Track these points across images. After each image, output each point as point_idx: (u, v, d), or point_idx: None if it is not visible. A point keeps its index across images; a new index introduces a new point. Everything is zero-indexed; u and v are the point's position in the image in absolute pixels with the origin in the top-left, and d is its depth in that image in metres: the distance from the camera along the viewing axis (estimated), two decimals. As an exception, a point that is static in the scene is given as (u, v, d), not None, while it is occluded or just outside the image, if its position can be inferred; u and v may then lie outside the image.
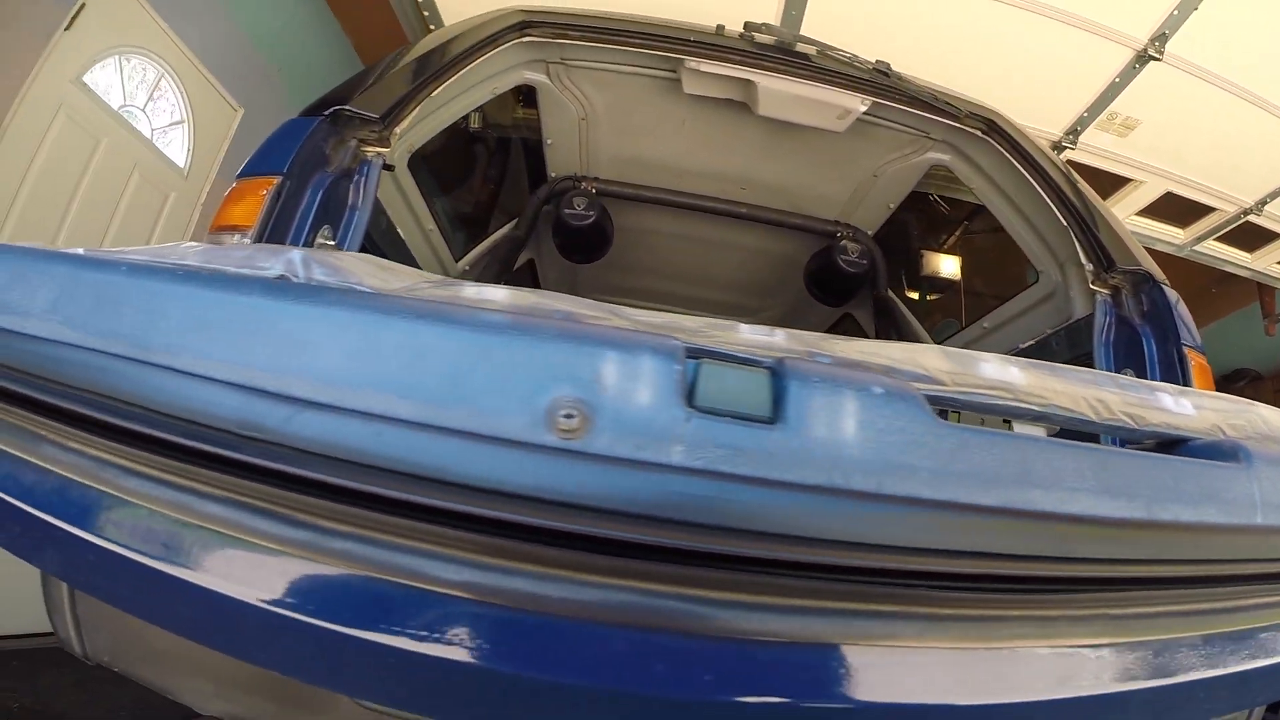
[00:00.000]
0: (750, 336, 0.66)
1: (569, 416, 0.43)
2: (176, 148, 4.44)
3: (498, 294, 0.67)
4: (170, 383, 0.51)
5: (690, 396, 0.46)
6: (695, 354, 0.48)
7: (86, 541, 0.56)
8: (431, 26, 3.77)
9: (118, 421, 0.54)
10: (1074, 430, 0.80)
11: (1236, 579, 0.73)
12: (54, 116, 3.61)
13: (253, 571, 0.50)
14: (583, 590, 0.46)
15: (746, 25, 2.47)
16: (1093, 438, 1.58)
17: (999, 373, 0.77)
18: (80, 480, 0.57)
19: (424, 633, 0.45)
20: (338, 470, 0.46)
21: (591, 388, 0.44)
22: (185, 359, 0.51)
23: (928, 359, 0.72)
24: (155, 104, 4.37)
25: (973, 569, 0.57)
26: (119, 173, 4.01)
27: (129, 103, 4.19)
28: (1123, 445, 0.95)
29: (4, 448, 0.61)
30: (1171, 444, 0.84)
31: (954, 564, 0.56)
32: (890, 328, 3.20)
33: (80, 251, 0.66)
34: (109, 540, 0.55)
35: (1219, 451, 0.74)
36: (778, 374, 0.49)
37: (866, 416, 0.49)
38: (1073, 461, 0.60)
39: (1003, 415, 0.74)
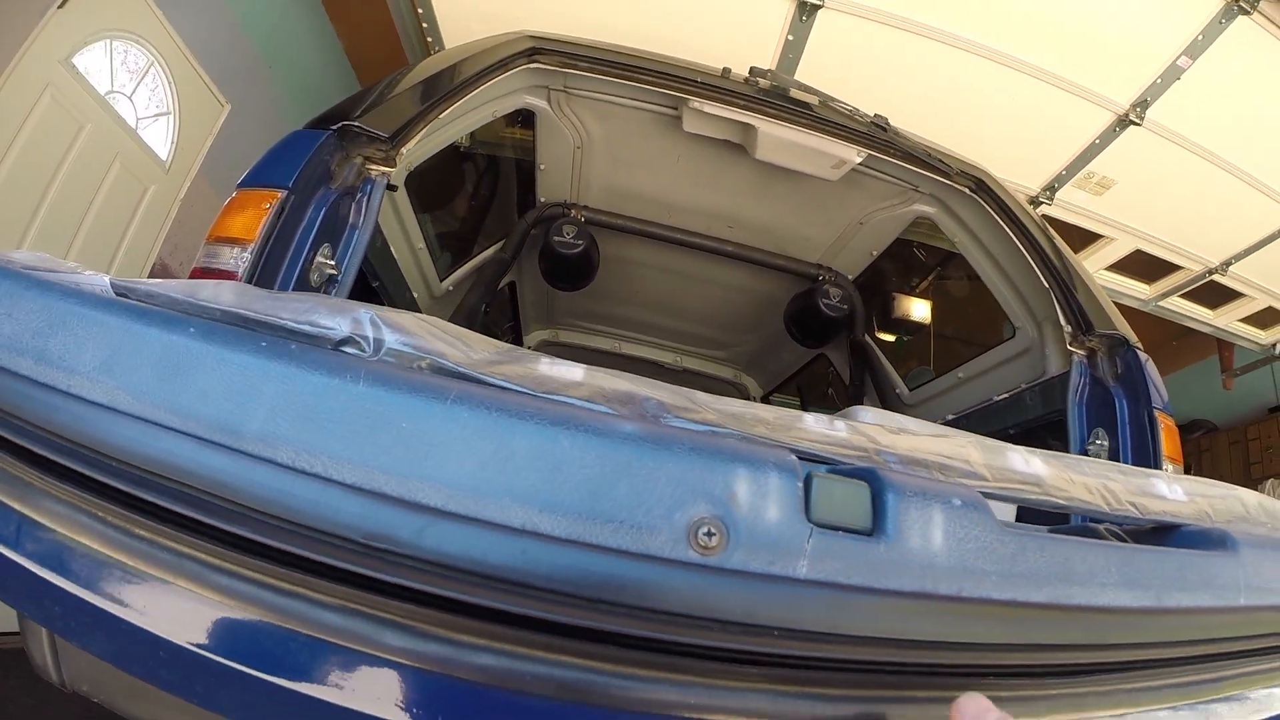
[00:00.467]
0: (815, 428, 0.70)
1: (709, 534, 0.46)
2: (159, 139, 4.35)
3: (575, 373, 0.69)
4: (273, 479, 0.48)
5: (808, 511, 0.50)
6: (804, 459, 0.52)
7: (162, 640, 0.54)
8: (430, 39, 3.77)
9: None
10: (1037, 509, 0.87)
11: (1226, 654, 0.80)
12: (39, 97, 3.52)
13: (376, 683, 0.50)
14: (719, 696, 0.49)
15: (752, 70, 2.54)
16: (1062, 518, 1.66)
17: (1028, 466, 0.84)
18: (153, 572, 0.55)
19: None
20: (476, 586, 0.47)
21: (727, 506, 0.47)
22: (286, 453, 0.48)
23: (970, 454, 0.77)
24: (140, 92, 4.29)
25: (1022, 660, 0.63)
26: (100, 161, 3.93)
27: (115, 88, 4.10)
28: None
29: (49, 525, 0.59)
30: (1169, 529, 0.92)
31: (1007, 656, 0.61)
32: (865, 371, 3.28)
33: (106, 283, 0.63)
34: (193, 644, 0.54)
35: (1209, 540, 0.80)
36: (875, 486, 0.53)
37: (950, 526, 0.54)
38: (1101, 558, 0.66)
39: (1036, 507, 0.80)
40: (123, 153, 4.02)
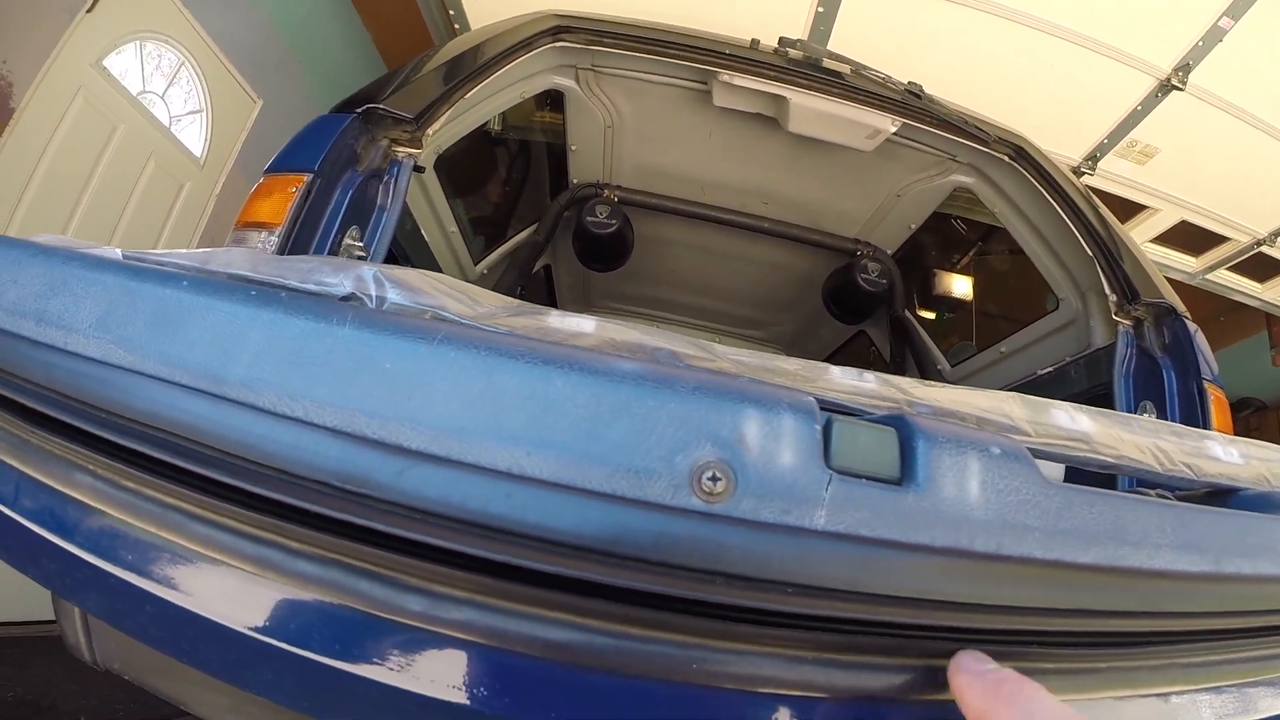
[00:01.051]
0: (842, 380, 0.65)
1: (714, 479, 0.42)
2: (193, 137, 4.42)
3: (586, 325, 0.66)
4: (251, 424, 0.47)
5: (828, 457, 0.45)
6: (826, 410, 0.47)
7: (158, 598, 0.52)
8: (457, 26, 3.76)
9: (155, 452, 0.51)
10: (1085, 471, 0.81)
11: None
12: (72, 100, 3.59)
13: (345, 635, 0.48)
14: (725, 660, 0.45)
15: (781, 41, 2.47)
16: (1109, 480, 1.58)
17: (1074, 423, 0.78)
18: (139, 525, 0.54)
19: (550, 706, 0.44)
20: (454, 532, 0.44)
21: (735, 449, 0.43)
22: (269, 397, 0.46)
23: (1012, 408, 0.71)
24: (173, 91, 4.35)
25: (1069, 626, 0.57)
26: (134, 160, 3.99)
27: (147, 89, 4.17)
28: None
29: (41, 478, 0.58)
30: (1226, 493, 0.86)
31: (1051, 622, 0.56)
32: (906, 347, 3.20)
33: (118, 254, 0.63)
34: (174, 592, 0.52)
35: (1272, 504, 0.76)
36: (903, 433, 0.49)
37: (987, 477, 0.49)
38: (1155, 518, 0.60)
39: (1083, 465, 0.74)
40: (157, 151, 4.09)
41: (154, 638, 0.55)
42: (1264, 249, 4.98)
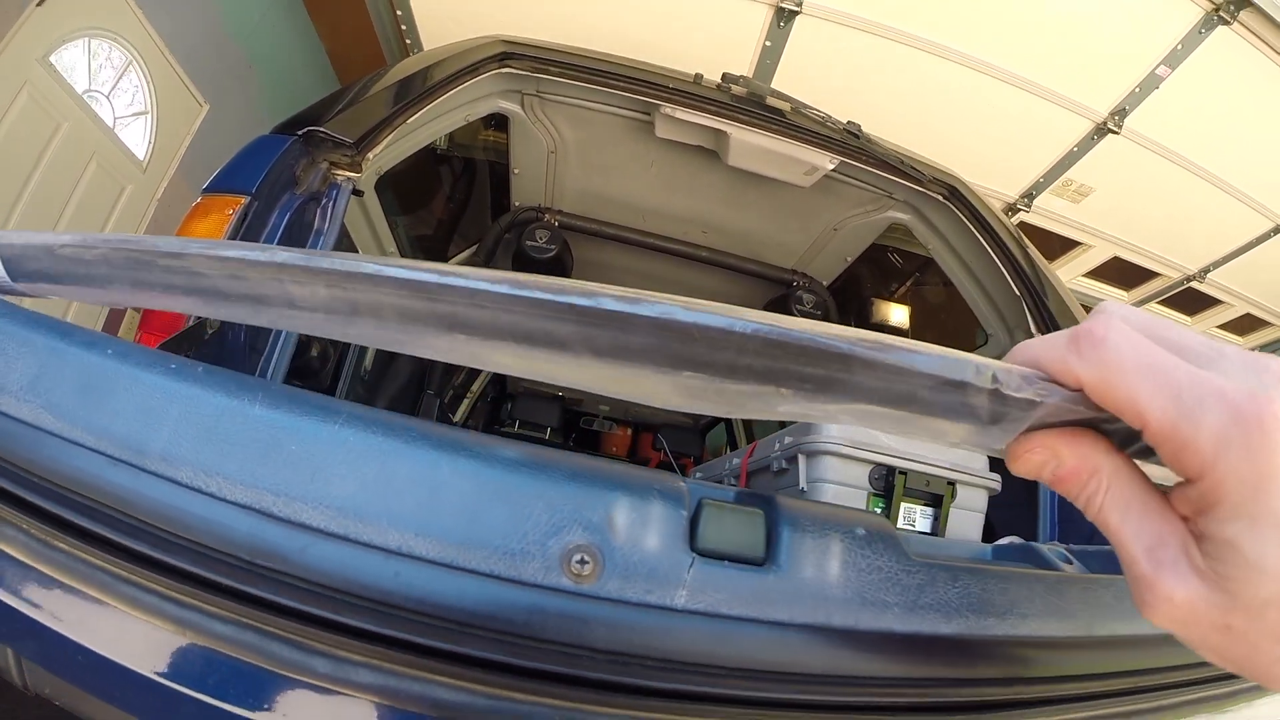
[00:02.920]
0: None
1: (583, 562, 0.45)
2: (136, 138, 4.33)
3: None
4: (170, 496, 0.49)
5: (693, 540, 0.49)
6: (697, 494, 0.51)
7: (84, 648, 0.53)
8: (409, 42, 3.76)
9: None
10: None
11: (1162, 686, 0.79)
12: (16, 95, 3.50)
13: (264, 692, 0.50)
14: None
15: (724, 76, 2.54)
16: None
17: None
18: (67, 582, 0.54)
19: None
20: (350, 606, 0.47)
21: (603, 533, 0.47)
22: (186, 472, 0.49)
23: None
24: (119, 91, 4.26)
25: (934, 698, 0.61)
26: (77, 160, 3.90)
27: (93, 87, 4.07)
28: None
29: None
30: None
31: (919, 694, 0.60)
32: None
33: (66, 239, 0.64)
34: (100, 643, 0.53)
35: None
36: (770, 516, 0.53)
37: (849, 557, 0.53)
38: (1024, 588, 0.65)
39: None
40: (100, 152, 4.00)
41: (81, 682, 0.57)
42: (1194, 284, 5.23)
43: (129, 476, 0.50)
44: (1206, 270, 5.13)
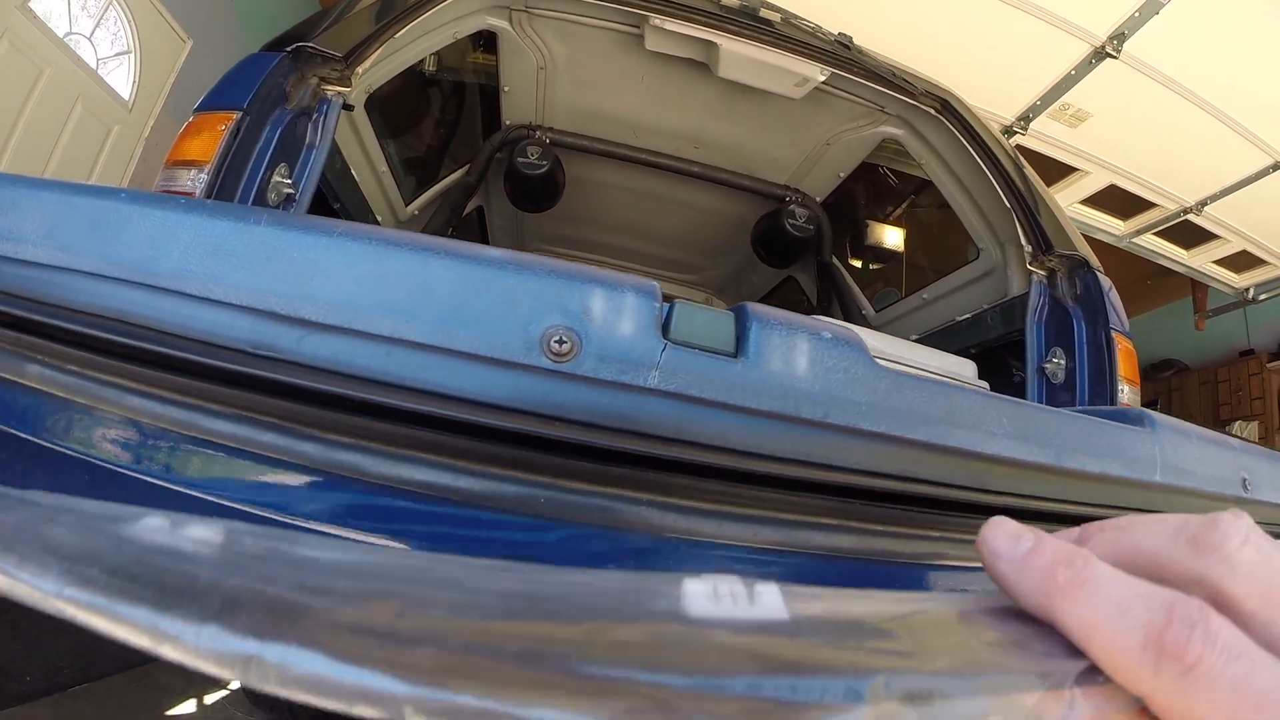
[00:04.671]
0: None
1: (560, 343, 0.49)
2: (121, 79, 4.26)
3: None
4: (181, 307, 0.53)
5: (665, 330, 0.52)
6: (669, 298, 0.54)
7: (87, 462, 0.57)
8: (395, -32, 3.67)
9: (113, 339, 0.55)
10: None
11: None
12: (-4, 44, 3.44)
13: (259, 481, 0.54)
14: (563, 495, 0.52)
15: (714, -13, 2.50)
16: None
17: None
18: (82, 401, 0.59)
19: (406, 532, 0.51)
20: (346, 386, 0.50)
21: (581, 319, 0.50)
22: (195, 285, 0.53)
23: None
24: (100, 32, 4.18)
25: (899, 489, 0.65)
26: (61, 104, 3.85)
27: (74, 30, 4.00)
28: None
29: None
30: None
31: (883, 484, 0.64)
32: (832, 292, 3.31)
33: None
34: (109, 460, 0.57)
35: (1129, 416, 0.82)
36: (740, 317, 0.56)
37: (817, 356, 0.57)
38: (993, 410, 0.68)
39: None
40: (84, 95, 3.95)
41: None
42: (1190, 217, 5.18)
43: (143, 296, 0.53)
44: (1204, 203, 5.08)
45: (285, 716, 2.64)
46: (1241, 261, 5.73)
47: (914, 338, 2.79)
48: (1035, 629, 0.30)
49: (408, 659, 0.26)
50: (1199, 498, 0.81)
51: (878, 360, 0.61)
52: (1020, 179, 2.43)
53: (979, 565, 0.67)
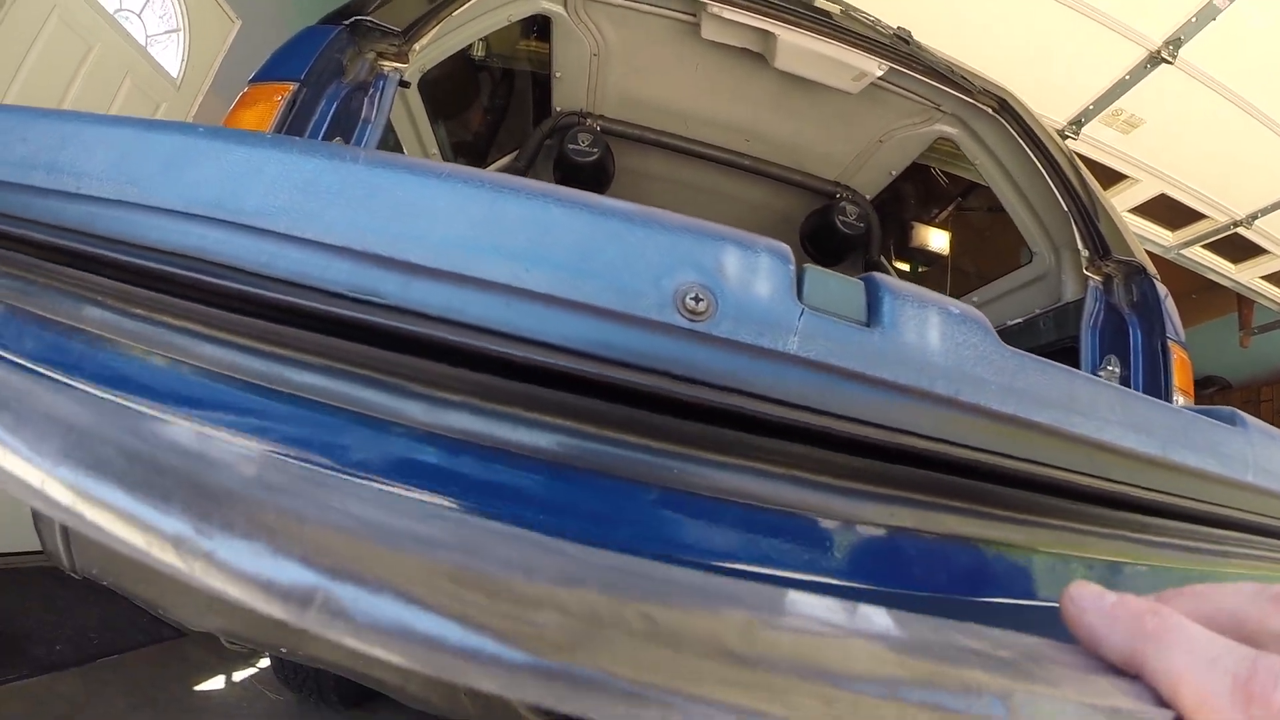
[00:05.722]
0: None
1: (697, 300, 0.45)
2: (170, 57, 4.29)
3: None
4: (266, 245, 0.49)
5: (799, 294, 0.49)
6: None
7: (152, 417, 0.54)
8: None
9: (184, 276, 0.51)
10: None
11: (1223, 523, 0.79)
12: (46, 19, 3.47)
13: (354, 442, 0.51)
14: (698, 467, 0.49)
15: (773, -23, 2.46)
16: None
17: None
18: (149, 349, 0.56)
19: (533, 499, 0.47)
20: (461, 335, 0.47)
21: (716, 276, 0.46)
22: (284, 222, 0.49)
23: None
24: (150, 10, 4.22)
25: (1020, 470, 0.61)
26: (110, 80, 3.88)
27: (123, 6, 4.03)
28: None
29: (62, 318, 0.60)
30: None
31: (1007, 464, 0.60)
32: None
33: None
34: (178, 413, 0.54)
35: (1219, 415, 0.79)
36: (870, 286, 0.52)
37: (948, 330, 0.53)
38: (1106, 396, 0.64)
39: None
40: (133, 71, 3.98)
41: None
42: (1240, 230, 5.05)
43: (223, 233, 0.50)
44: (1255, 216, 4.94)
45: (314, 694, 2.64)
46: None
47: None
48: (1121, 679, 0.30)
49: (531, 626, 0.22)
50: None
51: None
52: (1079, 182, 2.36)
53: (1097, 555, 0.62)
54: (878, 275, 0.54)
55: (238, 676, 2.69)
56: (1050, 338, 2.41)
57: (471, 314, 0.45)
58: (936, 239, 3.33)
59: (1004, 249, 2.88)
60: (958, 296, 2.96)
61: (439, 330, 0.46)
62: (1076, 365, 2.19)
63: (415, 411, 0.48)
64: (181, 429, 0.29)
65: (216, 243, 0.50)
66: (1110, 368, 2.17)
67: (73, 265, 0.57)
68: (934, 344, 0.52)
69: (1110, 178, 4.74)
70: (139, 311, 0.54)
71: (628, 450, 0.48)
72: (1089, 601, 0.32)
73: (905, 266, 3.56)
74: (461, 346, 0.45)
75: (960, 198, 3.36)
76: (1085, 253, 2.28)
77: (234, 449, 0.29)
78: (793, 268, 0.49)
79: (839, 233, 3.22)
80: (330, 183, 0.49)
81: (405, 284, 0.45)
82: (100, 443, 0.24)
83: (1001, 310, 2.66)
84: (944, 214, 3.45)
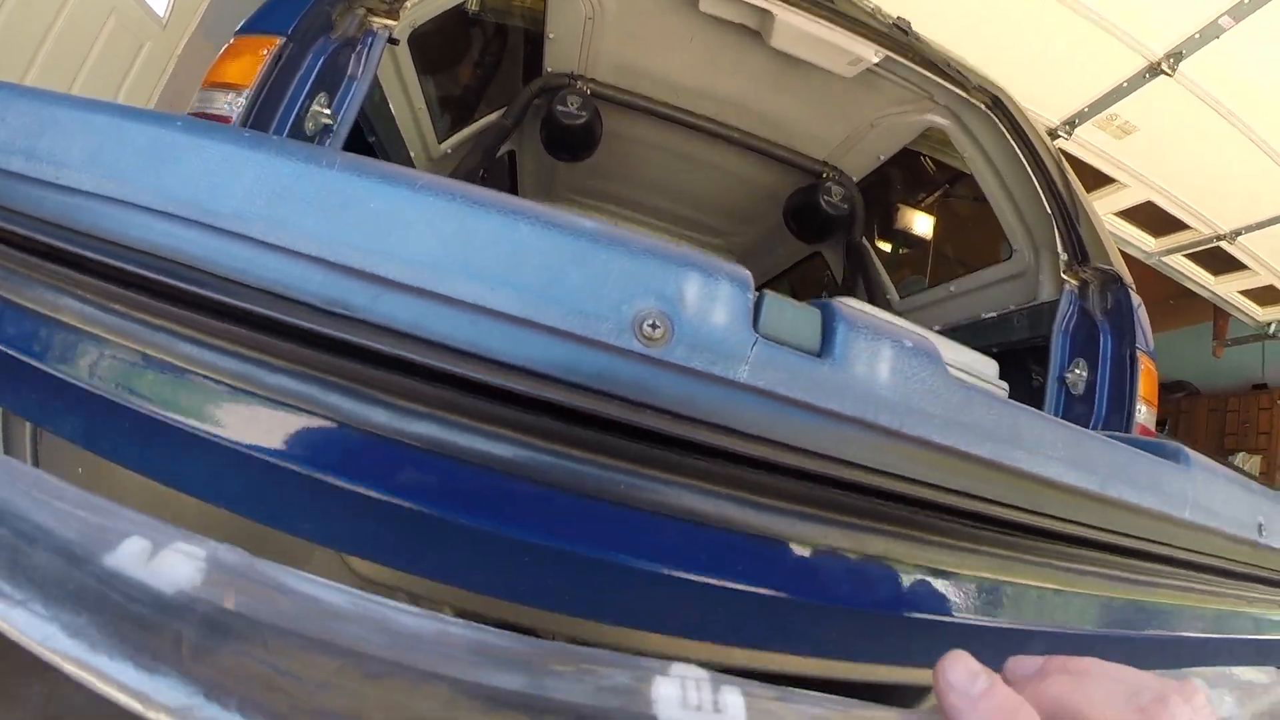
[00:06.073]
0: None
1: (654, 327, 0.47)
2: (157, -5, 4.17)
3: None
4: (242, 251, 0.50)
5: (755, 322, 0.51)
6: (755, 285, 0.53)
7: (140, 414, 0.54)
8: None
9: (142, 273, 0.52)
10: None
11: (1153, 557, 0.81)
12: (31, -47, 3.37)
13: (318, 443, 0.52)
14: (645, 483, 0.51)
15: (775, -45, 2.44)
16: None
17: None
18: (129, 345, 0.56)
19: (492, 508, 0.49)
20: (424, 353, 0.48)
21: (675, 304, 0.48)
22: (259, 227, 0.50)
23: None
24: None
25: (954, 503, 0.64)
26: (95, 16, 3.78)
27: (109, -58, 3.90)
28: None
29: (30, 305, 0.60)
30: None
31: (941, 497, 0.63)
32: (859, 274, 3.29)
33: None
34: (157, 408, 0.54)
35: (1164, 450, 0.81)
36: (826, 314, 0.54)
37: (898, 364, 0.55)
38: (1050, 433, 0.67)
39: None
40: (119, 8, 3.87)
41: (132, 457, 0.58)
42: (1223, 244, 5.13)
43: (198, 235, 0.50)
44: (1238, 233, 5.02)
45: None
46: (1267, 295, 5.68)
47: (936, 329, 2.77)
48: None
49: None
50: (1220, 537, 0.80)
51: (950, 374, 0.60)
52: (1064, 186, 2.39)
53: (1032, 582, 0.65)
54: (835, 303, 0.56)
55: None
56: (1023, 334, 2.45)
57: (438, 331, 0.47)
58: (921, 223, 3.34)
59: (986, 241, 2.91)
60: (937, 281, 3.01)
61: (404, 346, 0.47)
62: (1046, 364, 2.24)
63: (379, 418, 0.50)
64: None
65: (194, 245, 0.50)
66: (1078, 370, 2.21)
67: (50, 259, 0.57)
68: (883, 376, 0.54)
69: (1099, 180, 4.78)
70: (117, 307, 0.55)
71: (580, 465, 0.50)
72: (959, 682, 0.34)
73: (887, 247, 3.58)
74: (423, 363, 0.47)
75: (948, 185, 3.37)
76: (1064, 256, 2.32)
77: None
78: (751, 296, 0.51)
79: (822, 212, 3.24)
80: (305, 190, 0.50)
81: (375, 297, 0.47)
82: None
83: (978, 302, 2.70)
84: (930, 199, 3.46)
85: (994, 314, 2.57)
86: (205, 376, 0.53)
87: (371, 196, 0.51)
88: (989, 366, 2.04)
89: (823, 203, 3.25)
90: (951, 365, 1.85)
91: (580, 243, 0.49)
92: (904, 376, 0.56)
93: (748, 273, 0.52)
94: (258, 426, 0.52)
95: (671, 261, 0.49)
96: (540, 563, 0.50)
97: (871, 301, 3.08)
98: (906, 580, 0.61)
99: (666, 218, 4.13)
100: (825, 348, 0.53)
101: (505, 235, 0.49)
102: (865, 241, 3.38)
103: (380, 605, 0.35)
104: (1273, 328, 5.90)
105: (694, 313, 0.49)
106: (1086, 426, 1.88)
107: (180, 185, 0.52)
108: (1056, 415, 2.16)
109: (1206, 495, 0.77)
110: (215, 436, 0.53)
